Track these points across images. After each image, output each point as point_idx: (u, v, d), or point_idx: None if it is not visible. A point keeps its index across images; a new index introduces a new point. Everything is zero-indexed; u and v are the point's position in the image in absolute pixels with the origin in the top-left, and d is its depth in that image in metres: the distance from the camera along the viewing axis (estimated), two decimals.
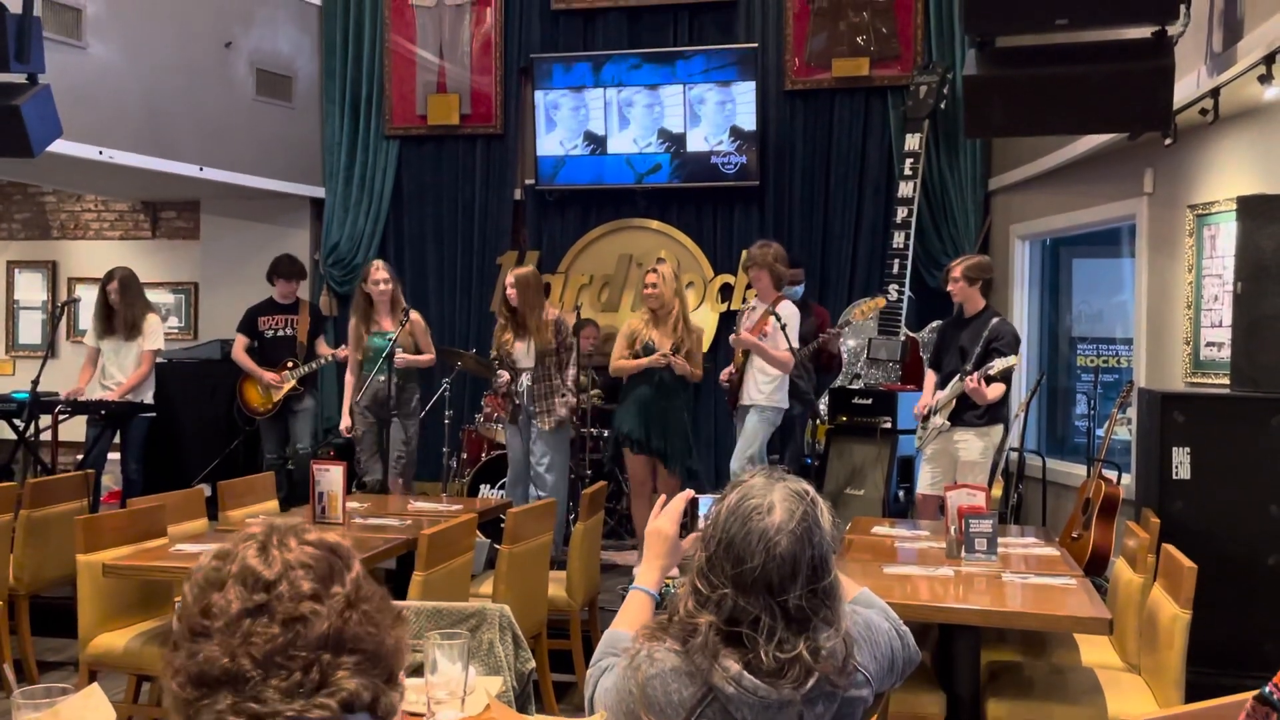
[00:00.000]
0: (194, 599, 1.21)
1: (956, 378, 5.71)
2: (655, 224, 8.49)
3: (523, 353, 6.20)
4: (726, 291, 8.32)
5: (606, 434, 7.14)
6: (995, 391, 5.61)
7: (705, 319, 8.28)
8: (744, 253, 8.17)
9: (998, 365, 5.54)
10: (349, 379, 6.49)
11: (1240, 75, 4.42)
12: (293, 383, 7.23)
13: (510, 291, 6.19)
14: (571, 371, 6.28)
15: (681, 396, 6.25)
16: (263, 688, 1.16)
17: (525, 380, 6.20)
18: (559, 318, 6.30)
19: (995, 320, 5.77)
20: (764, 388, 6.14)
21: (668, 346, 6.11)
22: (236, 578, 1.20)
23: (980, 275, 5.86)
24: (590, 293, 8.51)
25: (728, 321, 8.31)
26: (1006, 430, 6.11)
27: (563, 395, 6.20)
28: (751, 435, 6.17)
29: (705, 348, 8.11)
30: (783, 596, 1.73)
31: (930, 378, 6.07)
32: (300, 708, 1.16)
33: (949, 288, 5.94)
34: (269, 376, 7.22)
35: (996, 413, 5.76)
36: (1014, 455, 6.66)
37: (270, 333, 7.36)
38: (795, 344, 6.10)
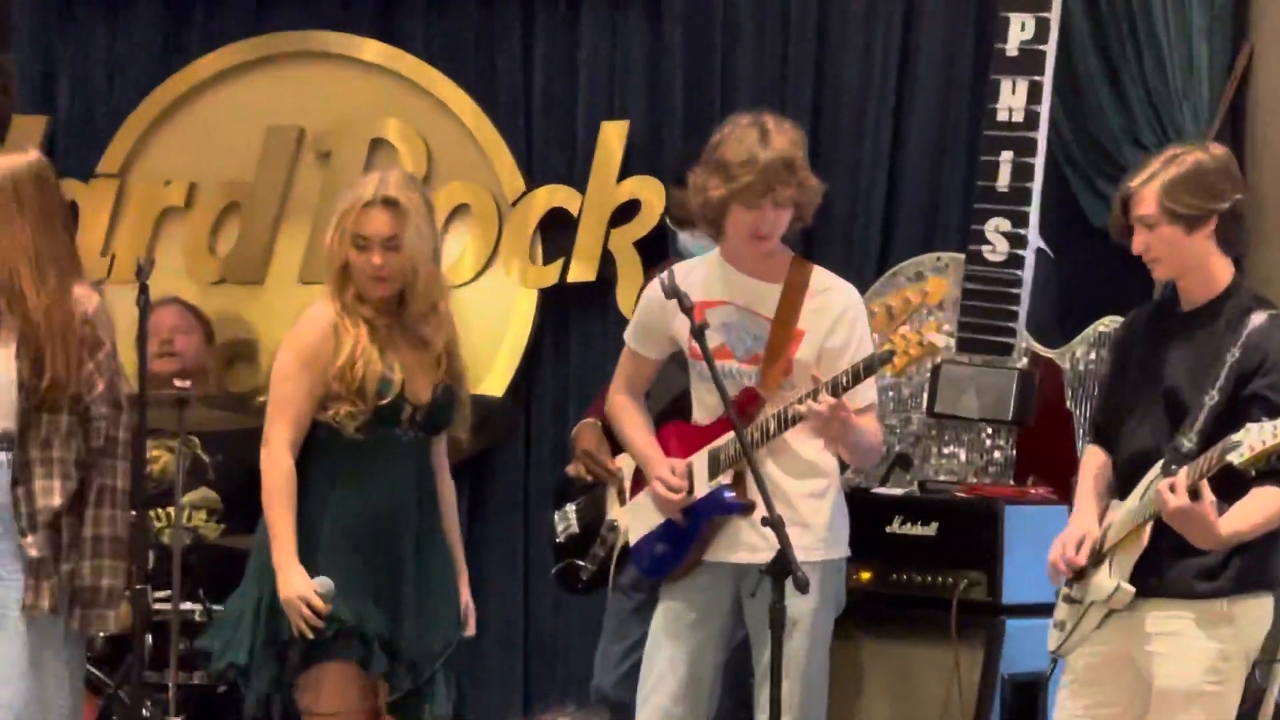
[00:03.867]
0: None
1: None
2: (373, 48, 3.43)
3: None
4: (557, 233, 3.41)
5: None
6: None
7: (498, 300, 3.40)
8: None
9: None
10: None
11: None
12: None
13: None
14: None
15: None
16: None
17: None
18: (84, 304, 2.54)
19: None
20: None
21: (424, 392, 2.46)
22: None
23: None
24: (190, 224, 3.43)
25: (554, 307, 3.46)
26: None
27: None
28: None
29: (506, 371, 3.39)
30: None
31: None
32: None
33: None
34: None
35: None
36: None
37: None
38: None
